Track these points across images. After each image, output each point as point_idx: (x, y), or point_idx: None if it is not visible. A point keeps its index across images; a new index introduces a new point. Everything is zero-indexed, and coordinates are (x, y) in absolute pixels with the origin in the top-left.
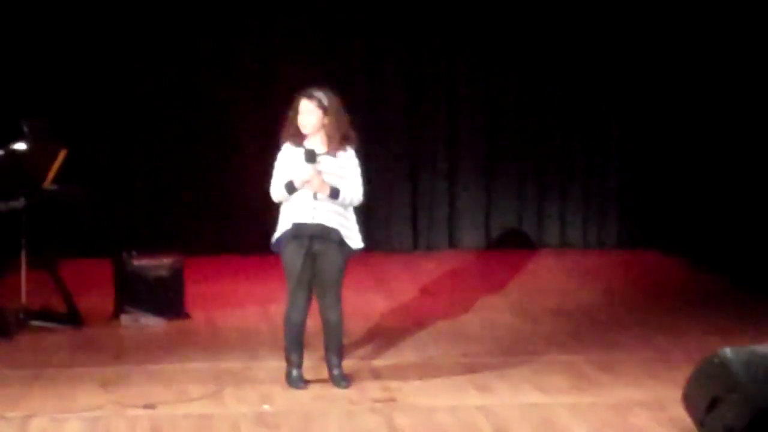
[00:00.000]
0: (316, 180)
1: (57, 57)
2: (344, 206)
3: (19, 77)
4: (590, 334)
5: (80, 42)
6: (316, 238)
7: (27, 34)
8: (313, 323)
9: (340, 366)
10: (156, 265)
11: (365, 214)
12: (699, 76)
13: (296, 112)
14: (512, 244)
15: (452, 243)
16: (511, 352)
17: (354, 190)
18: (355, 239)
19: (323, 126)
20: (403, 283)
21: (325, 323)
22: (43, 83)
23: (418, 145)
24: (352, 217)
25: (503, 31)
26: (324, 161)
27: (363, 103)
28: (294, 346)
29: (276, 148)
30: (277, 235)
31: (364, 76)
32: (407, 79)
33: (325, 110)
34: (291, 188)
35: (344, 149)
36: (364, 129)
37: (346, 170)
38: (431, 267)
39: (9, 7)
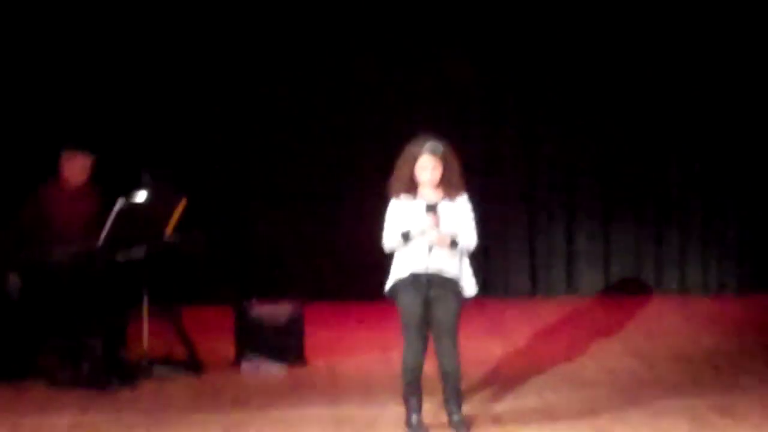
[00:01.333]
0: (435, 234)
1: (178, 109)
2: (461, 253)
3: (142, 128)
4: (710, 378)
5: (199, 95)
6: (433, 286)
7: (149, 89)
8: (432, 367)
9: (459, 412)
10: (276, 312)
11: (482, 258)
12: None
13: (411, 165)
14: (631, 290)
15: (570, 288)
16: (630, 396)
17: (470, 236)
18: (470, 286)
19: (441, 176)
20: (520, 328)
21: (443, 371)
22: (164, 133)
23: (536, 189)
24: (466, 264)
25: (618, 75)
26: (441, 209)
27: (480, 147)
28: (412, 391)
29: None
30: (391, 281)
31: (479, 125)
32: (523, 123)
33: (445, 161)
34: (407, 238)
35: (459, 194)
36: (481, 173)
37: (462, 216)
38: (549, 312)
39: (133, 62)
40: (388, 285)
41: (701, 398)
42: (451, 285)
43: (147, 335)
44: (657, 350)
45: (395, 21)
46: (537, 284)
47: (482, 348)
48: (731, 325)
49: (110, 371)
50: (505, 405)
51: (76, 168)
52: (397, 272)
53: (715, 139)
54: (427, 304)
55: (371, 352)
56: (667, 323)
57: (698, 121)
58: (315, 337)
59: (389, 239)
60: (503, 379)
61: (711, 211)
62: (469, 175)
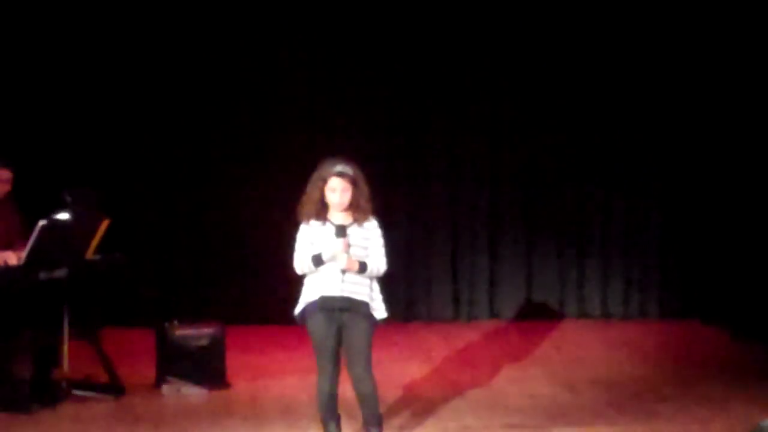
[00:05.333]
0: (345, 258)
1: (102, 128)
2: (370, 277)
3: (62, 148)
4: (632, 405)
5: (123, 115)
6: (344, 311)
7: (70, 105)
8: (349, 391)
9: None
10: (198, 334)
11: (405, 283)
12: (745, 141)
13: (320, 188)
14: (553, 315)
15: (493, 313)
16: (551, 422)
17: (379, 261)
18: (380, 310)
19: (351, 199)
20: (442, 352)
21: (359, 395)
22: (85, 154)
23: (459, 216)
24: (376, 288)
25: (544, 102)
26: (351, 233)
27: (403, 174)
28: (330, 416)
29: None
30: (300, 306)
31: (404, 146)
32: (447, 151)
33: (355, 184)
34: (318, 262)
35: (368, 219)
36: (404, 198)
37: (371, 240)
38: (471, 337)
39: (54, 78)
40: (298, 309)
41: (623, 425)
42: (362, 309)
43: (67, 356)
44: (578, 376)
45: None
46: (459, 309)
47: (404, 372)
48: (652, 352)
49: (33, 393)
50: (425, 429)
51: None
52: (307, 296)
53: (638, 165)
54: (338, 329)
55: (293, 375)
56: (588, 349)
57: (618, 146)
58: (237, 361)
59: (300, 264)
60: (424, 403)
61: (632, 237)
62: (393, 199)
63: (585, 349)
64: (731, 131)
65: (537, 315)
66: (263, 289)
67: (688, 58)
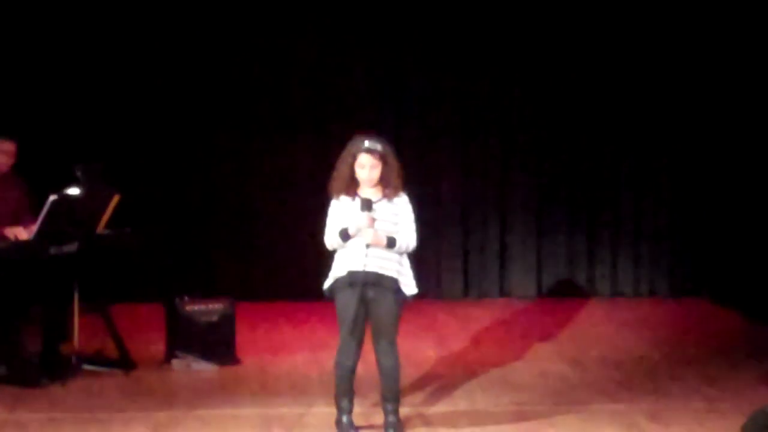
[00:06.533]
0: (372, 233)
1: (112, 102)
2: (399, 253)
3: (74, 122)
4: (640, 383)
5: (134, 89)
6: (371, 285)
7: (82, 81)
8: (364, 369)
9: (395, 412)
10: (208, 310)
11: (416, 260)
12: (756, 126)
13: (350, 164)
14: (563, 293)
15: (503, 291)
16: (560, 400)
17: (409, 236)
18: (410, 285)
19: (381, 175)
20: (452, 330)
21: (382, 369)
22: (96, 128)
23: (469, 193)
24: (406, 263)
25: (557, 80)
26: (379, 208)
27: (414, 148)
28: (345, 392)
29: (325, 195)
30: (330, 281)
31: (415, 120)
32: (460, 124)
33: (384, 161)
34: (345, 236)
35: (398, 195)
36: (414, 174)
37: (401, 216)
38: (481, 315)
39: (65, 56)
40: (327, 284)
41: (631, 403)
42: (390, 284)
43: (77, 331)
44: (588, 354)
45: (330, 24)
46: (469, 287)
47: (414, 350)
48: (662, 330)
49: (42, 367)
50: (436, 408)
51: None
52: (336, 271)
53: (648, 143)
54: (365, 304)
55: (302, 351)
56: (598, 327)
57: (629, 124)
58: (246, 336)
59: (329, 239)
60: (435, 382)
61: (643, 215)
62: (404, 177)
63: (594, 328)
64: (744, 113)
65: (547, 293)
66: (273, 264)
67: (701, 50)
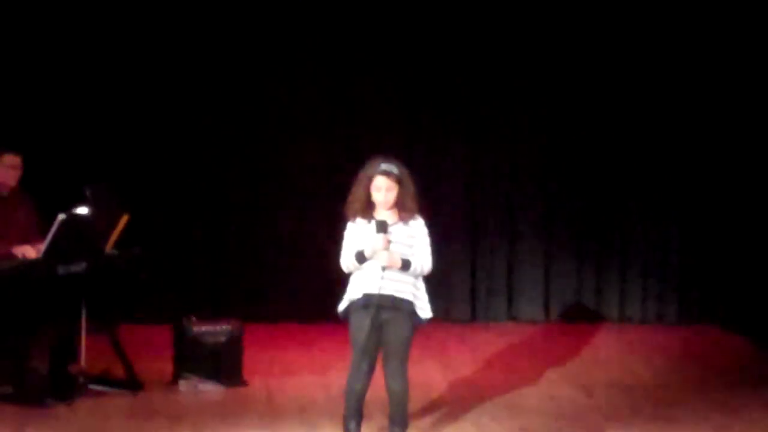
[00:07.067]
0: (386, 255)
1: (122, 122)
2: (414, 276)
3: (83, 142)
4: (648, 408)
5: (145, 109)
6: (386, 308)
7: (92, 101)
8: (372, 392)
9: None
10: (215, 331)
11: (423, 283)
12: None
13: (366, 186)
14: (571, 318)
15: (511, 315)
16: (568, 425)
17: (424, 259)
18: (425, 309)
19: (396, 198)
20: (460, 354)
21: (390, 393)
22: (106, 148)
23: (478, 216)
24: (422, 287)
25: (566, 103)
26: (395, 230)
27: (422, 173)
28: (353, 415)
29: (338, 216)
30: (344, 303)
31: (423, 145)
32: (468, 150)
33: (400, 183)
34: (361, 258)
35: (414, 217)
36: (423, 198)
37: (417, 239)
38: (489, 339)
39: (76, 75)
40: (342, 306)
41: (638, 428)
42: (405, 307)
43: (85, 351)
44: (596, 379)
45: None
46: (477, 310)
47: (422, 373)
48: (669, 355)
49: (50, 387)
50: (442, 430)
51: (5, 168)
52: (351, 293)
53: (656, 168)
54: (378, 327)
55: (309, 373)
56: (606, 352)
57: (639, 149)
58: (254, 358)
59: (345, 261)
60: (442, 405)
61: (652, 240)
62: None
63: (603, 353)
64: (753, 136)
65: (555, 317)
66: (282, 286)
67: (713, 59)
